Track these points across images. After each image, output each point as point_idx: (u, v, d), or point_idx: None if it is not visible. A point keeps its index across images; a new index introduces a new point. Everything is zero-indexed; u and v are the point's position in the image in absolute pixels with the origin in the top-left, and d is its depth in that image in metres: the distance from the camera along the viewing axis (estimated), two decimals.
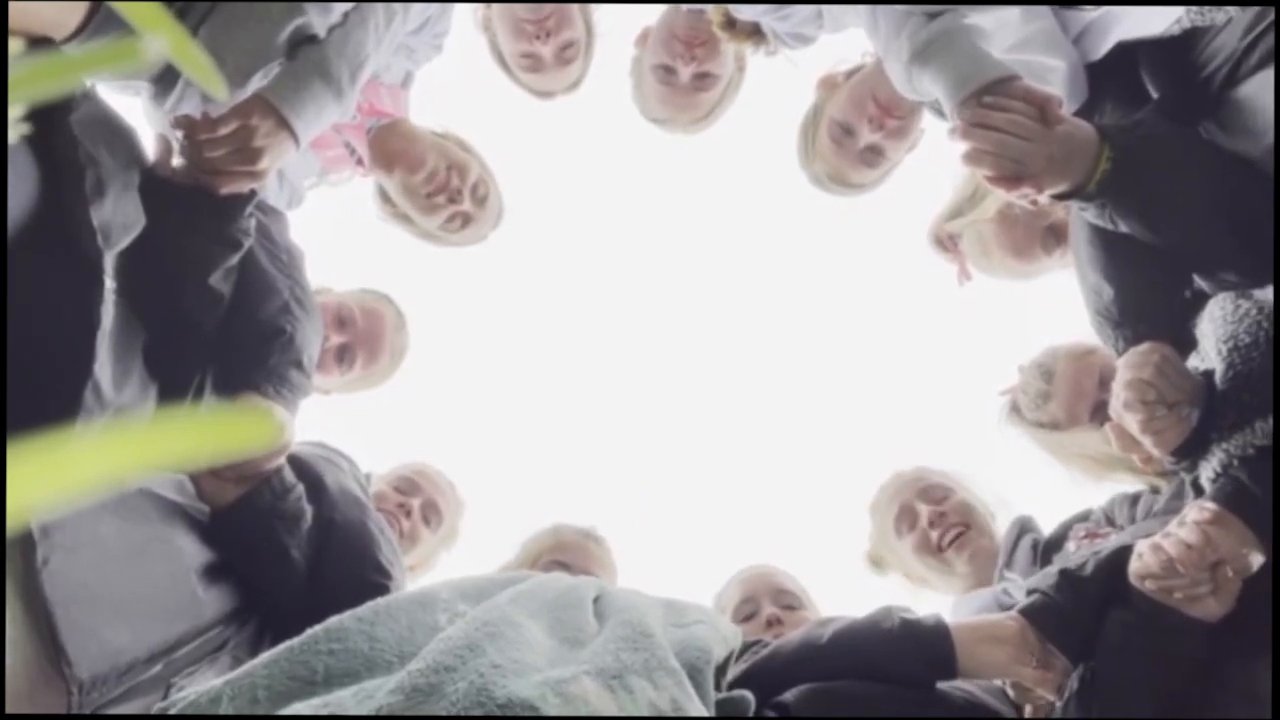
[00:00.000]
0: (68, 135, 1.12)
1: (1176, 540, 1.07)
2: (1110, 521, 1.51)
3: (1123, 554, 1.14)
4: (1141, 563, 1.09)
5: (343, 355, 1.81)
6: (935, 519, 1.68)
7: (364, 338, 1.83)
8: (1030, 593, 1.16)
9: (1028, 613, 1.13)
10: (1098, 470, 1.60)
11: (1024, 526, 1.64)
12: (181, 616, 1.17)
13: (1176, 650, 1.07)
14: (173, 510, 1.23)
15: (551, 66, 1.92)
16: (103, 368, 1.14)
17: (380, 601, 0.89)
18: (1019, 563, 1.56)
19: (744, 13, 1.78)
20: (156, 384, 1.30)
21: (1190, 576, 1.05)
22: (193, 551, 1.23)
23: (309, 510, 1.36)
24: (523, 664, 0.74)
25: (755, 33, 1.82)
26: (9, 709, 0.98)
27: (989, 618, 1.18)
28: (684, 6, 1.92)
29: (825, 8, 1.67)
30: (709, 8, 1.85)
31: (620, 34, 2.03)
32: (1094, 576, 1.13)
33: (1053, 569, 1.19)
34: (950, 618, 1.62)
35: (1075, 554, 1.41)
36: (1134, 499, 1.51)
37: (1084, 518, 1.57)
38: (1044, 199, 1.21)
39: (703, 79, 1.93)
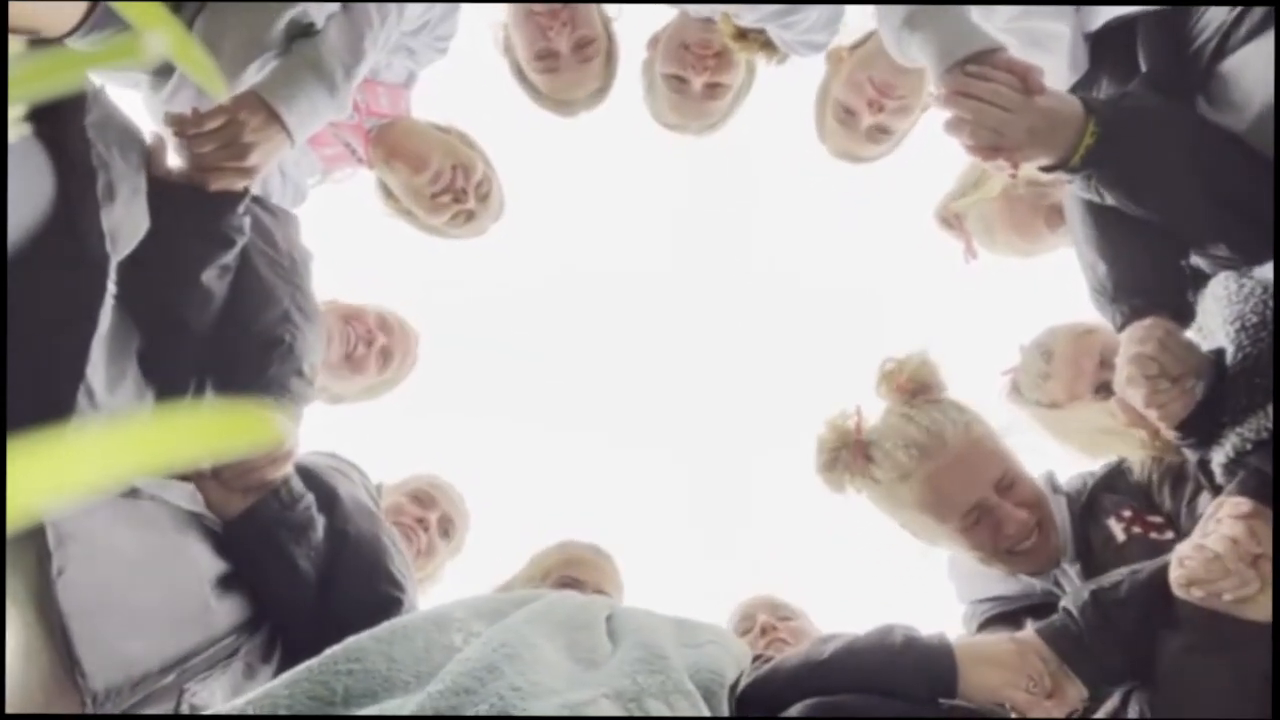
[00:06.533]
0: (81, 137, 1.12)
1: (1220, 537, 1.04)
2: (1153, 504, 1.41)
3: (1163, 574, 1.10)
4: (1185, 569, 1.06)
5: (384, 357, 1.88)
6: (1020, 529, 1.36)
7: (400, 342, 1.91)
8: (1061, 608, 1.14)
9: (1045, 632, 1.11)
10: (1096, 445, 1.57)
11: (1051, 486, 1.51)
12: (194, 627, 1.17)
13: (1245, 663, 1.01)
14: (186, 520, 1.23)
15: (569, 62, 1.90)
16: (96, 370, 1.14)
17: (397, 621, 0.90)
18: None
19: (745, 18, 1.78)
20: (153, 388, 1.29)
21: (1239, 574, 1.01)
22: (206, 561, 1.23)
23: (319, 521, 1.35)
24: (541, 686, 0.75)
25: (766, 44, 1.83)
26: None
27: (991, 637, 1.18)
28: (692, 15, 1.93)
29: None
30: (718, 19, 1.86)
31: (630, 42, 2.05)
32: (1129, 601, 1.09)
33: (1086, 588, 1.15)
34: (950, 572, 1.59)
35: (1114, 545, 1.35)
36: (1176, 478, 1.38)
37: (1110, 485, 1.46)
38: (1022, 170, 1.22)
39: (714, 89, 1.95)
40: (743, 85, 2.00)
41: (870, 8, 1.60)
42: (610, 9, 1.95)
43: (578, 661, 0.87)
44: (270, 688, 0.77)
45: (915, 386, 1.47)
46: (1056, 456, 1.65)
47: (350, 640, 0.85)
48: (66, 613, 1.02)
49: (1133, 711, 1.11)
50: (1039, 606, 1.41)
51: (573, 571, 1.65)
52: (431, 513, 1.81)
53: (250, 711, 0.74)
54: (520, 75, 1.98)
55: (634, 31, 2.01)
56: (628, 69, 2.05)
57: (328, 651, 0.82)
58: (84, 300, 1.10)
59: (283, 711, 0.74)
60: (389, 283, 2.12)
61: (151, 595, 1.15)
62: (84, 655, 1.02)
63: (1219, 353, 1.21)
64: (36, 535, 1.03)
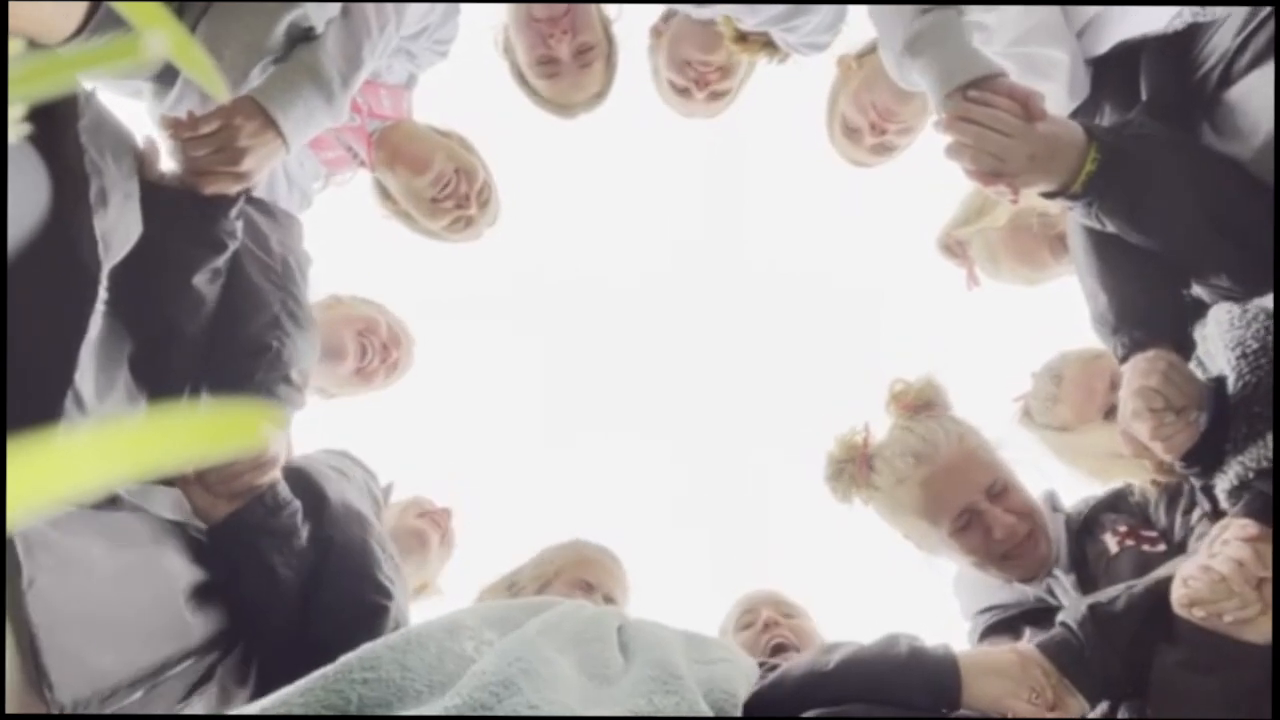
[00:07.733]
0: (74, 143, 1.10)
1: (1226, 558, 1.04)
2: (1148, 521, 1.44)
3: (1160, 588, 1.11)
4: (1189, 589, 1.06)
5: (392, 370, 1.94)
6: (1008, 533, 1.41)
7: (405, 353, 1.97)
8: (1060, 622, 1.14)
9: (1046, 646, 1.11)
10: (1105, 470, 1.59)
11: (1051, 504, 1.56)
12: (168, 639, 1.13)
13: (1238, 681, 1.02)
14: (165, 530, 1.20)
15: (570, 68, 1.89)
16: (85, 377, 1.12)
17: (410, 629, 0.88)
18: None
19: (748, 21, 1.77)
20: (145, 394, 1.27)
21: (1241, 596, 1.02)
22: (182, 573, 1.19)
23: (304, 529, 1.31)
24: (557, 704, 0.73)
25: (768, 45, 1.83)
26: None
27: (994, 649, 1.17)
28: (694, 16, 1.92)
29: None
30: (719, 22, 1.85)
31: (630, 41, 2.05)
32: (1126, 615, 1.10)
33: (1084, 602, 1.16)
34: (955, 589, 1.61)
35: (1107, 557, 1.38)
36: (1172, 495, 1.43)
37: (1112, 505, 1.50)
38: (1028, 200, 1.23)
39: (716, 96, 1.98)
40: (744, 74, 2.01)
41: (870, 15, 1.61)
42: (610, 9, 1.94)
43: (591, 677, 0.85)
44: (284, 694, 0.74)
45: (920, 405, 1.55)
46: (1058, 475, 1.67)
47: (365, 648, 0.83)
48: (35, 624, 0.99)
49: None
50: (1036, 613, 1.43)
51: (585, 573, 1.62)
52: (442, 519, 1.82)
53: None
54: (520, 78, 1.98)
55: (634, 30, 2.01)
56: (627, 68, 2.05)
57: (343, 659, 0.80)
58: (74, 307, 1.09)
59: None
60: (388, 281, 2.09)
61: (124, 607, 1.11)
62: (51, 667, 0.99)
63: (1220, 380, 1.22)
64: (7, 546, 0.98)
